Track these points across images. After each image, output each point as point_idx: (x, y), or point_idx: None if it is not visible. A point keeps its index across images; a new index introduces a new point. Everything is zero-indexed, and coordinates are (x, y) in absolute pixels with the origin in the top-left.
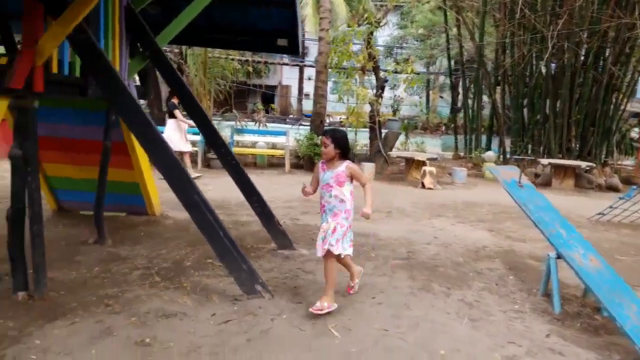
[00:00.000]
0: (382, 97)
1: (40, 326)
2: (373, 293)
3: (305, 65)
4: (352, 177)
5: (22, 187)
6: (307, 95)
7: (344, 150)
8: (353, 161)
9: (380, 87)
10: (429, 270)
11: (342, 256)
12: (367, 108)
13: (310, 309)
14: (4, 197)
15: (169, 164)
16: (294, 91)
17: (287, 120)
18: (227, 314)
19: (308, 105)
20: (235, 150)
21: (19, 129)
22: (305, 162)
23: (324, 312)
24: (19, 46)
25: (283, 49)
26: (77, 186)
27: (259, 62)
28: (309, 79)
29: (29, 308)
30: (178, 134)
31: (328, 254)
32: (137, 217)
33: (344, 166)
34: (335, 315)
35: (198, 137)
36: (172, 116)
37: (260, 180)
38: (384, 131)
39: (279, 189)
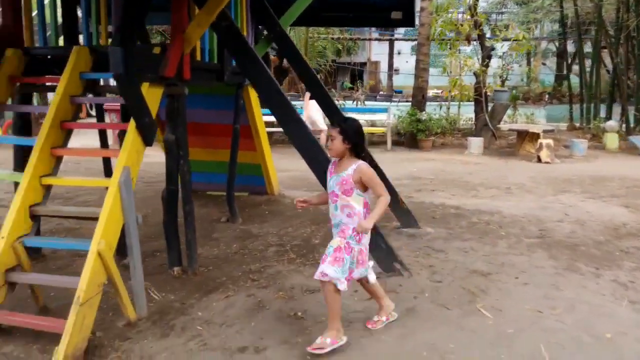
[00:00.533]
0: (488, 67)
1: (198, 299)
2: (515, 273)
3: (395, 39)
4: (363, 184)
5: (175, 169)
6: (396, 70)
7: (356, 146)
8: (371, 161)
9: (487, 56)
10: (569, 249)
11: (339, 285)
12: (470, 80)
13: (308, 348)
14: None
15: (307, 142)
16: (383, 67)
17: (377, 97)
18: None
19: (398, 81)
20: None
21: (171, 115)
22: (406, 139)
23: (325, 350)
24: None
25: (396, 22)
26: (205, 168)
27: (349, 39)
28: (399, 53)
29: (184, 282)
30: (320, 113)
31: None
32: (258, 197)
33: (351, 168)
34: (480, 295)
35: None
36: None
37: None
38: (489, 104)
39: (385, 168)
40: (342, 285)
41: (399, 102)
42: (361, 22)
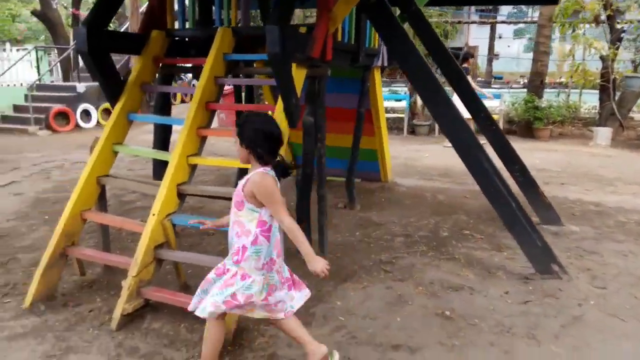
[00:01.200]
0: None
1: (333, 287)
2: None
3: (497, 22)
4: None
5: (311, 153)
6: (496, 55)
7: (256, 150)
8: (284, 169)
9: (617, 39)
10: None
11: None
12: (595, 65)
13: None
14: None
15: (457, 128)
16: (481, 52)
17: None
18: (521, 293)
19: (497, 67)
20: None
21: (310, 97)
22: (520, 127)
23: None
24: None
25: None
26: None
27: (448, 22)
28: (500, 37)
29: None
30: (459, 102)
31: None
32: (370, 184)
33: (246, 177)
34: None
35: (402, 103)
36: None
37: None
38: (616, 92)
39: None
40: (213, 307)
41: (510, 87)
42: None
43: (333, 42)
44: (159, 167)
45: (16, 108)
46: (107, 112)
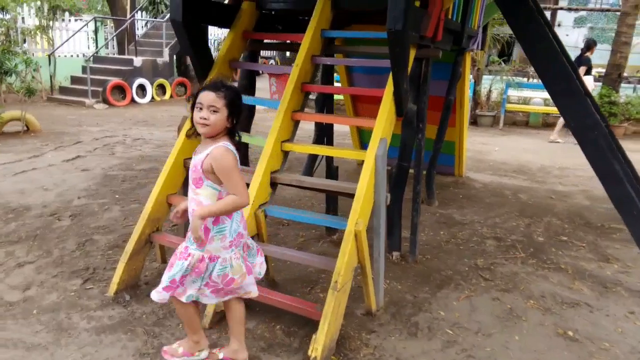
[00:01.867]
0: None
1: (430, 293)
2: None
3: (558, 9)
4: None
5: (411, 144)
6: None
7: (234, 122)
8: (237, 145)
9: None
10: None
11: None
12: None
13: (162, 349)
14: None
15: (589, 127)
16: None
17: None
18: None
19: None
20: (508, 107)
21: (415, 82)
22: None
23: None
24: None
25: None
26: (397, 143)
27: None
28: (559, 25)
29: (405, 269)
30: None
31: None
32: (443, 177)
33: (206, 152)
34: None
35: None
36: (588, 72)
37: (541, 142)
38: None
39: (582, 155)
40: (156, 295)
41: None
42: None
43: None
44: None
45: (73, 80)
46: (161, 88)
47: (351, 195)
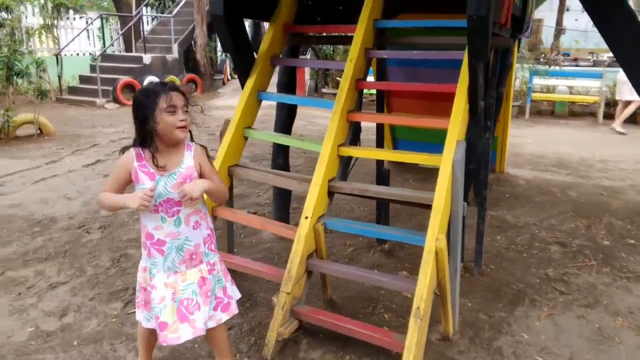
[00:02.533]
0: None
1: (506, 311)
2: None
3: None
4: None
5: (477, 144)
6: (563, 30)
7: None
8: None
9: None
10: None
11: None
12: None
13: None
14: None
15: None
16: (546, 24)
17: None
18: None
19: (568, 42)
20: (533, 96)
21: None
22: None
23: None
24: None
25: None
26: (419, 137)
27: None
28: (568, 10)
29: (470, 283)
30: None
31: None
32: None
33: (188, 156)
34: None
35: None
36: None
37: (572, 132)
38: None
39: (618, 145)
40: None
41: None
42: None
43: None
44: (278, 156)
45: (82, 79)
46: None
47: (427, 207)
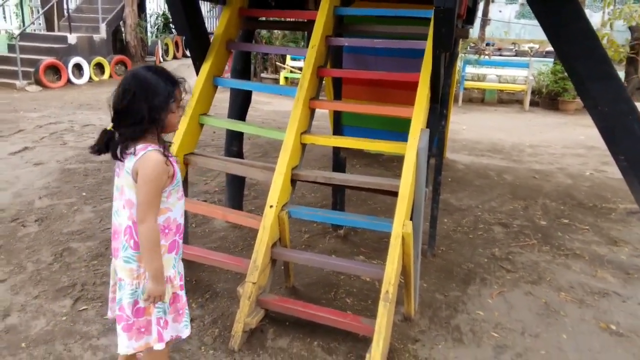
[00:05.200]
0: None
1: (461, 291)
2: None
3: None
4: None
5: (434, 131)
6: (489, 20)
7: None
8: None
9: None
10: None
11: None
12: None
13: None
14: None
15: (621, 109)
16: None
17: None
18: None
19: (490, 32)
20: (466, 84)
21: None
22: (543, 99)
23: None
24: None
25: None
26: (364, 123)
27: None
28: (493, 1)
29: (425, 265)
30: None
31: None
32: None
33: (139, 155)
34: None
35: None
36: None
37: (501, 119)
38: None
39: (545, 131)
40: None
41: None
42: None
43: None
44: (232, 143)
45: None
46: (99, 67)
47: (394, 194)
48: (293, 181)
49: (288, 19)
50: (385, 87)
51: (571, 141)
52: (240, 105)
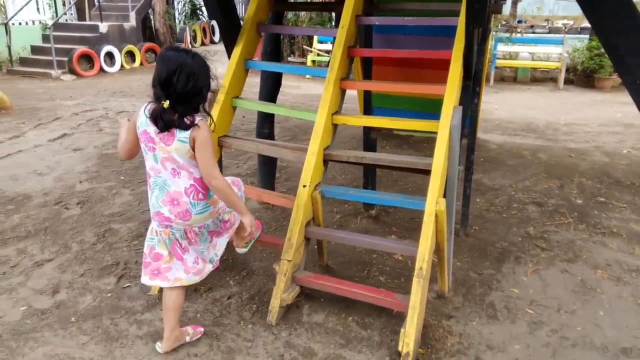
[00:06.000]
0: None
1: (495, 269)
2: None
3: None
4: None
5: (466, 110)
6: None
7: None
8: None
9: None
10: None
11: None
12: None
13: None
14: None
15: None
16: None
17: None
18: None
19: (523, 9)
20: (498, 63)
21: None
22: (578, 77)
23: None
24: None
25: None
26: (396, 104)
27: None
28: None
29: (458, 244)
30: None
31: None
32: None
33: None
34: None
35: None
36: None
37: (535, 97)
38: None
39: (580, 109)
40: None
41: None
42: None
43: None
44: (263, 125)
45: (34, 50)
46: (130, 55)
47: (426, 173)
48: (325, 161)
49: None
50: (416, 67)
51: (608, 119)
52: (270, 88)
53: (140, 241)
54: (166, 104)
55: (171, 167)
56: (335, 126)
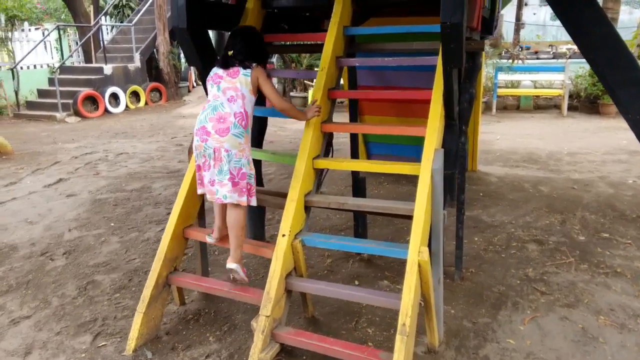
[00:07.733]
0: None
1: (490, 317)
2: None
3: None
4: None
5: (452, 149)
6: (522, 23)
7: None
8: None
9: None
10: None
11: None
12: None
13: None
14: None
15: None
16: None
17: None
18: None
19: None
20: (499, 92)
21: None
22: (582, 103)
23: None
24: None
25: None
26: (392, 139)
27: None
28: (526, 4)
29: (452, 288)
30: None
31: None
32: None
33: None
34: None
35: None
36: None
37: (538, 126)
38: None
39: (584, 137)
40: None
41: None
42: None
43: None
44: None
45: (40, 93)
46: (134, 95)
47: (409, 217)
48: (307, 208)
49: (301, 42)
50: (405, 101)
51: (612, 146)
52: (255, 131)
53: (122, 294)
54: (231, 52)
55: (230, 94)
56: (317, 170)
